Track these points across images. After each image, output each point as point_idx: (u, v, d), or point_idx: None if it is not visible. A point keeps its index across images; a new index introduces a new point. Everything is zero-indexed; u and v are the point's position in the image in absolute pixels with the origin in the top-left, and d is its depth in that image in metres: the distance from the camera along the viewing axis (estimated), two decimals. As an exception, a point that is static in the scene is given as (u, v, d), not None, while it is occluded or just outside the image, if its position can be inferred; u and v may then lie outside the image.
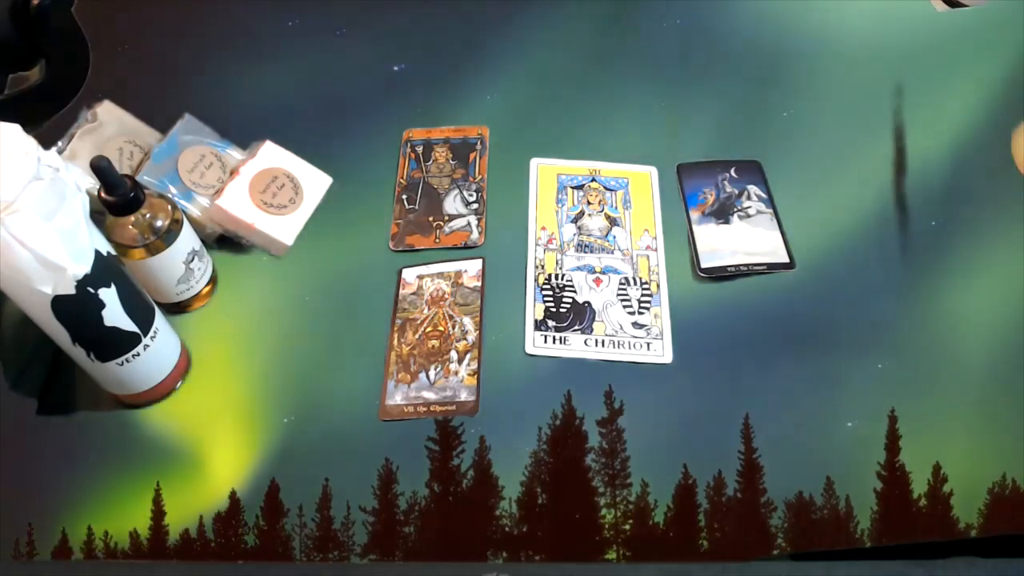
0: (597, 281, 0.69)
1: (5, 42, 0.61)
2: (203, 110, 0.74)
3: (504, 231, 0.73)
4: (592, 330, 0.67)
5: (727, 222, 0.73)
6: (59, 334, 0.54)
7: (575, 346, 0.66)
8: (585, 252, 0.71)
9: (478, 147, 0.78)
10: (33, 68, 0.65)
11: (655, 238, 0.72)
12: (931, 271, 0.69)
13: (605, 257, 0.71)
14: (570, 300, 0.68)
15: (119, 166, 0.68)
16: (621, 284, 0.69)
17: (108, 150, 0.70)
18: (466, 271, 0.70)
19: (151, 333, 0.59)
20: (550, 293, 0.69)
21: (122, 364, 0.58)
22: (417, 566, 0.57)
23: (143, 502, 0.59)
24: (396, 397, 0.63)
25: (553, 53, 0.85)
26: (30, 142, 0.49)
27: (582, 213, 0.74)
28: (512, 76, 0.83)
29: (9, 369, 0.64)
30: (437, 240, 0.72)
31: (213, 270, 0.69)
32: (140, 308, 0.57)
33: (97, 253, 0.53)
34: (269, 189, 0.72)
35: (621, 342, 0.66)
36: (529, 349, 0.66)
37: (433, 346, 0.66)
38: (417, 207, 0.74)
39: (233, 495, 0.59)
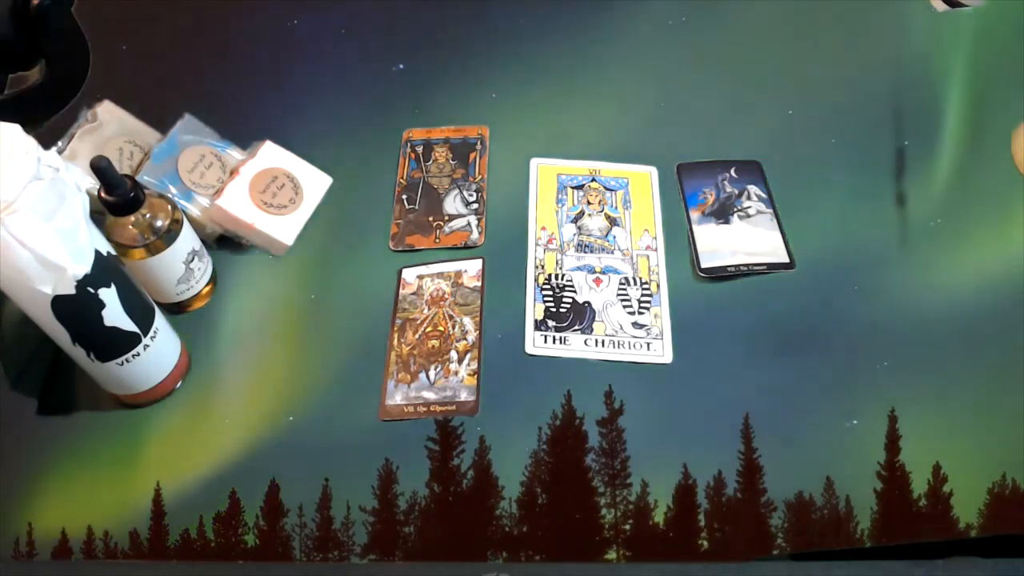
0: (597, 281, 0.69)
1: (5, 42, 0.61)
2: (203, 110, 0.74)
3: (504, 231, 0.73)
4: (592, 330, 0.67)
5: (727, 222, 0.73)
6: (59, 334, 0.54)
7: (575, 346, 0.66)
8: (585, 252, 0.71)
9: (478, 147, 0.78)
10: (33, 68, 0.65)
11: (655, 238, 0.72)
12: (931, 271, 0.69)
13: (605, 257, 0.71)
14: (570, 300, 0.68)
15: (119, 166, 0.68)
16: (621, 284, 0.69)
17: (108, 150, 0.70)
18: (466, 271, 0.70)
19: (151, 333, 0.59)
20: (550, 293, 0.69)
21: (122, 364, 0.58)
22: (417, 566, 0.57)
23: (143, 502, 0.59)
24: (396, 397, 0.63)
25: (553, 53, 0.85)
26: (30, 142, 0.49)
27: (582, 213, 0.74)
28: (512, 76, 0.83)
29: (9, 369, 0.64)
30: (437, 240, 0.72)
31: (213, 270, 0.69)
32: (140, 308, 0.57)
33: (97, 253, 0.53)
34: (269, 189, 0.72)
35: (621, 342, 0.66)
36: (529, 349, 0.66)
37: (433, 346, 0.66)
38: (417, 207, 0.74)
39: (233, 495, 0.59)
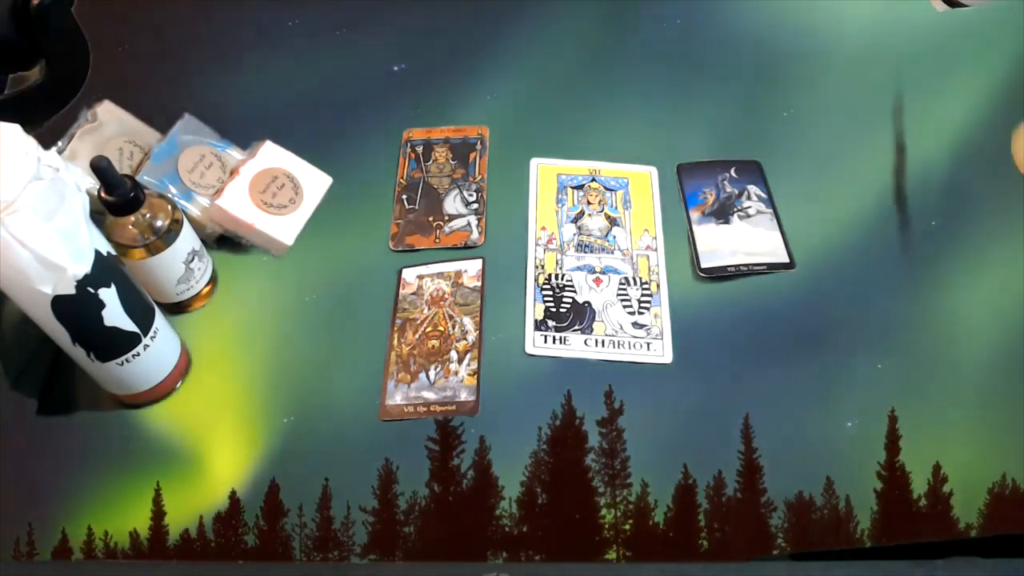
0: (597, 281, 0.69)
1: (5, 42, 0.61)
2: (203, 110, 0.74)
3: (504, 231, 0.73)
4: (592, 330, 0.67)
5: (727, 222, 0.73)
6: (59, 334, 0.54)
7: (575, 346, 0.66)
8: (585, 252, 0.71)
9: (478, 147, 0.78)
10: (33, 68, 0.65)
11: (655, 238, 0.72)
12: (931, 271, 0.69)
13: (605, 257, 0.71)
14: (570, 300, 0.68)
15: (119, 166, 0.68)
16: (621, 284, 0.69)
17: (108, 150, 0.70)
18: (466, 271, 0.70)
19: (151, 333, 0.59)
20: (550, 293, 0.69)
21: (122, 364, 0.58)
22: (417, 566, 0.57)
23: (143, 502, 0.59)
24: (396, 397, 0.63)
25: (553, 53, 0.85)
26: (30, 142, 0.49)
27: (582, 213, 0.74)
28: (512, 76, 0.83)
29: (9, 369, 0.64)
30: (437, 240, 0.72)
31: (213, 270, 0.69)
32: (140, 308, 0.57)
33: (97, 253, 0.53)
34: (269, 189, 0.72)
35: (621, 342, 0.66)
36: (529, 349, 0.66)
37: (433, 346, 0.66)
38: (417, 207, 0.74)
39: (233, 495, 0.59)
